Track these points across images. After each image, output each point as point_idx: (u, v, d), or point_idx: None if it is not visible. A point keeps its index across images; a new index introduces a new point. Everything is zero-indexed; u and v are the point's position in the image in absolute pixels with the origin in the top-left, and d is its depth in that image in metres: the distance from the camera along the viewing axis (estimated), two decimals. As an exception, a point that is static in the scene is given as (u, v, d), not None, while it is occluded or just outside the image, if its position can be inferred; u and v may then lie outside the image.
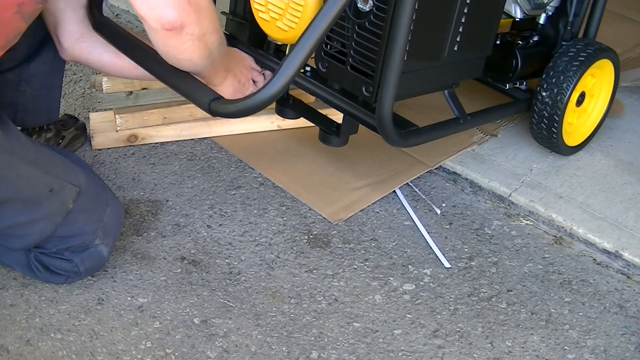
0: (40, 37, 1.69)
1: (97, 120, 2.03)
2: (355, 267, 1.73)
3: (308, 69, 1.84)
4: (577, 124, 2.04)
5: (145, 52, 1.56)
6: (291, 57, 1.41)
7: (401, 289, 1.68)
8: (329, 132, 1.81)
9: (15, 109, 1.75)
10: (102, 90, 2.01)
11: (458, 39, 1.70)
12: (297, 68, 1.41)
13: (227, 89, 1.67)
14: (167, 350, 1.50)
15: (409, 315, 1.62)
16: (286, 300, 1.63)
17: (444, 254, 1.77)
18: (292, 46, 1.43)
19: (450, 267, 1.74)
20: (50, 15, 1.63)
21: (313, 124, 1.87)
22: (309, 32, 1.41)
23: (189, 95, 1.50)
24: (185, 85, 1.51)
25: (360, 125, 1.76)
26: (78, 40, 1.67)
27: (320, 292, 1.66)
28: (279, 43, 1.83)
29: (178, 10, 1.33)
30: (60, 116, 1.98)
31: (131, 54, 1.62)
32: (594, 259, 1.80)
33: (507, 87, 1.99)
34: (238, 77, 1.70)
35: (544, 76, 1.92)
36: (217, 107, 1.46)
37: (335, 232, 1.82)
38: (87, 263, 1.57)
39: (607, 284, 1.74)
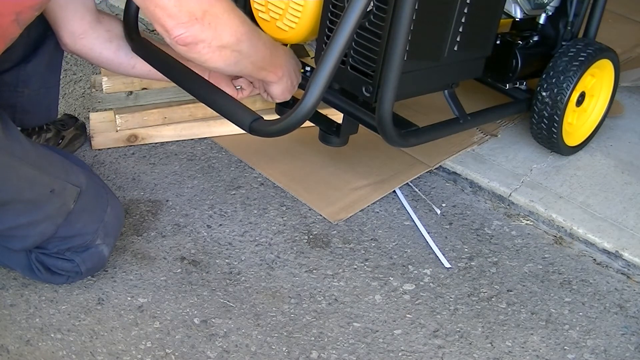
0: (35, 36, 1.69)
1: (97, 120, 2.03)
2: (355, 267, 1.73)
3: (308, 69, 1.84)
4: (577, 124, 2.04)
5: (185, 74, 1.65)
6: (319, 71, 1.44)
7: (401, 289, 1.68)
8: (329, 132, 1.81)
9: (14, 110, 1.75)
10: (102, 90, 2.00)
11: (458, 39, 1.70)
12: (327, 81, 1.45)
13: (278, 88, 1.70)
14: (167, 350, 1.50)
15: (409, 315, 1.62)
16: (286, 300, 1.63)
17: (444, 254, 1.77)
18: (319, 60, 1.45)
19: (450, 267, 1.75)
20: (50, 11, 1.63)
21: (313, 124, 1.87)
22: (334, 43, 1.43)
23: (230, 116, 1.59)
24: (226, 106, 1.60)
25: (360, 125, 1.77)
26: (79, 37, 1.67)
27: (320, 292, 1.66)
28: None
29: (188, 28, 1.37)
30: (60, 116, 1.98)
31: (170, 75, 1.69)
32: (594, 259, 1.80)
33: (507, 87, 1.99)
34: (291, 79, 1.71)
35: (544, 76, 1.92)
36: (258, 127, 1.54)
37: (335, 232, 1.82)
38: (88, 263, 1.57)
39: (607, 284, 1.74)
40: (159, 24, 1.38)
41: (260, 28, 1.76)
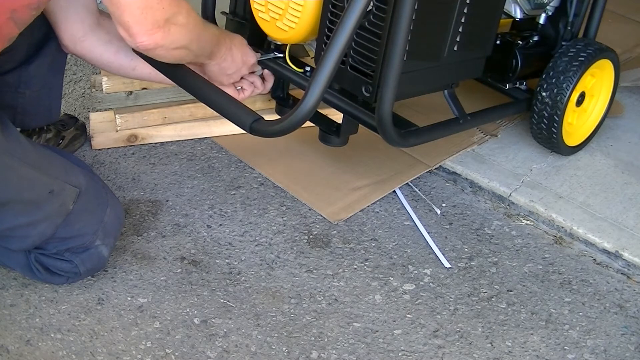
0: (39, 37, 1.68)
1: (97, 120, 2.03)
2: (355, 267, 1.73)
3: (308, 69, 1.84)
4: (577, 124, 2.04)
5: (186, 75, 1.67)
6: (319, 71, 1.45)
7: (401, 289, 1.68)
8: (329, 132, 1.81)
9: (15, 110, 1.74)
10: (102, 90, 2.01)
11: (458, 39, 1.70)
12: (327, 81, 1.47)
13: (212, 68, 1.74)
14: (167, 350, 1.50)
15: (409, 315, 1.62)
16: (286, 300, 1.63)
17: (444, 254, 1.77)
18: (320, 60, 1.46)
19: (450, 267, 1.75)
20: (52, 13, 1.63)
21: (313, 124, 1.87)
22: (334, 43, 1.44)
23: (230, 117, 1.61)
24: (226, 106, 1.62)
25: (360, 125, 1.77)
26: (80, 39, 1.67)
27: (320, 292, 1.66)
28: (279, 43, 1.83)
29: (150, 36, 1.45)
30: (60, 116, 1.98)
31: (171, 76, 1.72)
32: (594, 259, 1.80)
33: (507, 87, 1.99)
34: (227, 63, 1.75)
35: (544, 76, 1.92)
36: (258, 127, 1.56)
37: (335, 232, 1.82)
38: (87, 264, 1.57)
39: (607, 284, 1.74)
40: (124, 28, 1.45)
41: (261, 28, 1.76)
